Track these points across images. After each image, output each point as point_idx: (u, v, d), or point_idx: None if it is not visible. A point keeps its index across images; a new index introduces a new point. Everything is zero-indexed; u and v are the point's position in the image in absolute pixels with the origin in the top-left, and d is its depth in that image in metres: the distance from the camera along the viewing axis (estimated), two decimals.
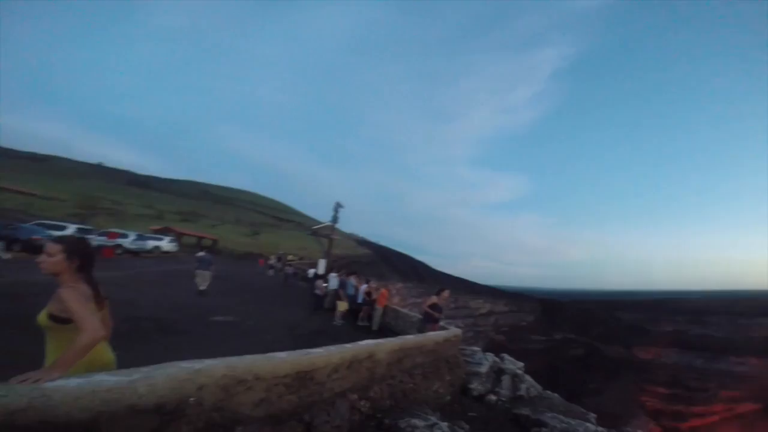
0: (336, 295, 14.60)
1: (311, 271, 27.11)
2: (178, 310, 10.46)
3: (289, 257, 41.07)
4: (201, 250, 20.39)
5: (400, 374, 5.98)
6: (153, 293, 12.81)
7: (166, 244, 33.20)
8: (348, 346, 4.93)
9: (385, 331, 11.59)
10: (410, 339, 6.79)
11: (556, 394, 10.16)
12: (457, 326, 10.37)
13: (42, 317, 2.23)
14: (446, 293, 10.20)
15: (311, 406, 4.04)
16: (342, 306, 12.74)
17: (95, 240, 23.56)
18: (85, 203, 58.79)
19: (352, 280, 14.26)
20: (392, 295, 12.37)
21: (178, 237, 43.84)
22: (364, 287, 13.65)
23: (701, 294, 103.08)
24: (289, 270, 29.17)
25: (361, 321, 13.09)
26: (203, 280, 14.86)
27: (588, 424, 7.67)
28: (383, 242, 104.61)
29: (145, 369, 2.64)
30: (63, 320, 2.21)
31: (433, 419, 5.13)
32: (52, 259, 2.30)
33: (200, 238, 53.23)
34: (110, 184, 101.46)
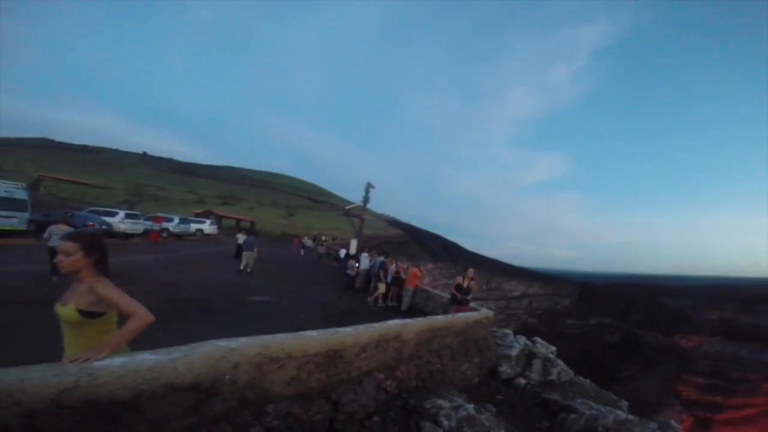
0: (368, 276, 14.87)
1: (342, 251, 27.65)
2: (218, 291, 10.97)
3: (323, 238, 41.85)
4: (239, 232, 21.28)
5: (428, 354, 6.06)
6: (195, 274, 13.46)
7: (207, 227, 34.68)
8: (376, 325, 5.02)
9: (415, 311, 11.62)
10: (439, 319, 6.82)
11: (587, 380, 9.99)
12: (489, 308, 10.28)
13: (70, 313, 2.21)
14: (470, 272, 10.13)
15: (339, 385, 4.18)
16: (381, 288, 12.81)
17: (143, 224, 24.88)
18: (133, 191, 62.62)
19: (381, 259, 14.36)
20: (423, 276, 12.30)
21: (218, 220, 45.53)
22: (393, 267, 13.75)
23: (755, 281, 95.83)
24: (322, 250, 29.94)
25: (390, 301, 13.23)
26: (248, 260, 15.87)
27: (618, 412, 7.52)
28: (417, 223, 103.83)
29: (183, 348, 2.79)
30: (94, 315, 2.24)
31: (459, 401, 5.20)
32: (72, 258, 2.24)
33: (239, 220, 55.12)
34: (156, 172, 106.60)
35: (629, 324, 63.31)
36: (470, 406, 5.08)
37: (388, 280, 13.40)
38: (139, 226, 24.26)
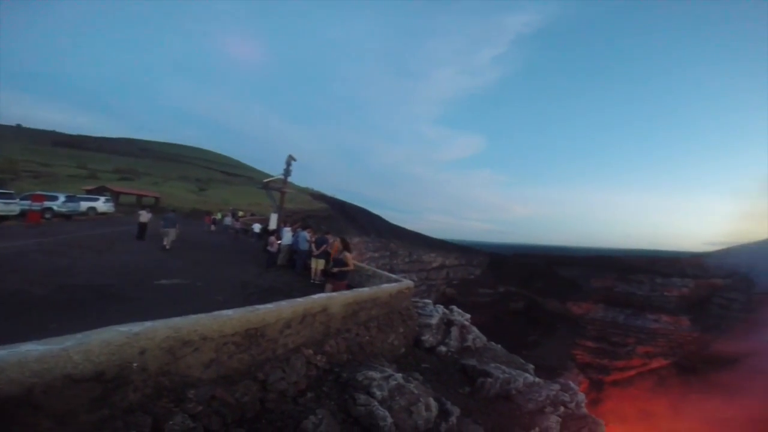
0: (291, 252, 14.41)
1: (256, 226, 26.51)
2: (120, 276, 9.86)
3: (240, 213, 40.36)
4: (141, 209, 19.44)
5: (356, 327, 6.06)
6: (90, 258, 11.95)
7: (102, 204, 31.06)
8: (299, 300, 4.88)
9: None
10: (364, 292, 6.84)
11: (499, 345, 10.84)
12: (412, 279, 10.56)
13: None
14: (337, 243, 10.01)
15: (264, 364, 4.00)
16: (319, 264, 12.22)
17: (18, 205, 21.44)
18: (4, 167, 53.42)
19: (306, 233, 13.92)
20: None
21: (115, 197, 41.06)
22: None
23: (629, 252, 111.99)
24: (237, 225, 28.76)
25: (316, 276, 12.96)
26: (168, 238, 15.97)
27: (527, 375, 8.36)
28: (343, 196, 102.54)
29: (78, 335, 2.48)
30: None
31: (389, 371, 5.30)
32: None
33: (140, 196, 50.03)
34: (34, 146, 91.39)
35: (531, 292, 69.87)
36: (399, 376, 5.20)
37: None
38: (13, 207, 20.92)
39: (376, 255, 57.13)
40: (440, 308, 10.54)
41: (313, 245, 12.69)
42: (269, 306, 4.32)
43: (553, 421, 7.29)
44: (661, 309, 61.94)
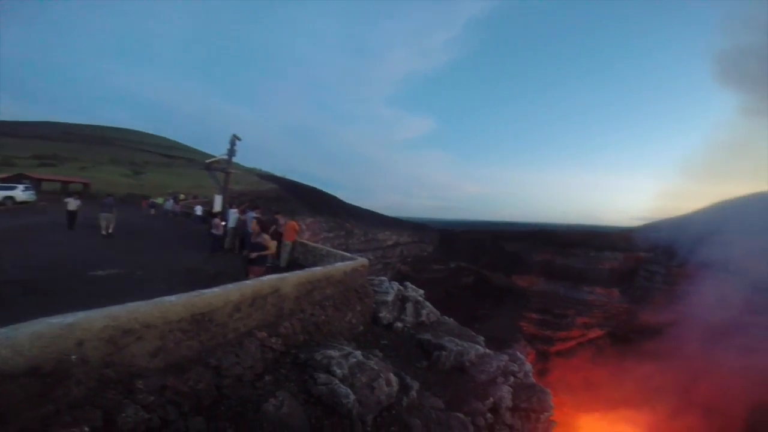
0: (237, 234, 13.87)
1: (198, 208, 25.43)
2: (49, 269, 9.03)
3: (181, 197, 38.92)
4: (69, 197, 17.92)
5: (311, 307, 5.98)
6: (12, 252, 10.81)
7: (20, 193, 28.31)
8: (248, 282, 4.77)
9: (294, 267, 11.31)
10: (318, 271, 6.72)
11: (451, 319, 11.22)
12: (368, 258, 10.56)
13: None
14: (254, 225, 9.69)
15: (216, 349, 3.87)
16: (272, 246, 11.87)
17: None
18: None
19: (254, 214, 13.46)
20: (302, 230, 11.85)
21: (36, 184, 37.42)
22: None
23: (566, 227, 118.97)
24: (177, 208, 27.68)
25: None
26: (107, 223, 15.84)
27: (478, 346, 8.76)
28: (297, 177, 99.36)
29: (2, 330, 2.29)
30: None
31: (348, 349, 5.32)
32: None
33: (66, 183, 45.85)
34: None
35: (479, 267, 72.55)
36: (359, 353, 5.24)
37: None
38: None
39: (332, 235, 56.67)
40: (395, 285, 10.66)
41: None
42: (215, 290, 4.16)
43: (506, 391, 7.72)
44: (595, 281, 65.61)
